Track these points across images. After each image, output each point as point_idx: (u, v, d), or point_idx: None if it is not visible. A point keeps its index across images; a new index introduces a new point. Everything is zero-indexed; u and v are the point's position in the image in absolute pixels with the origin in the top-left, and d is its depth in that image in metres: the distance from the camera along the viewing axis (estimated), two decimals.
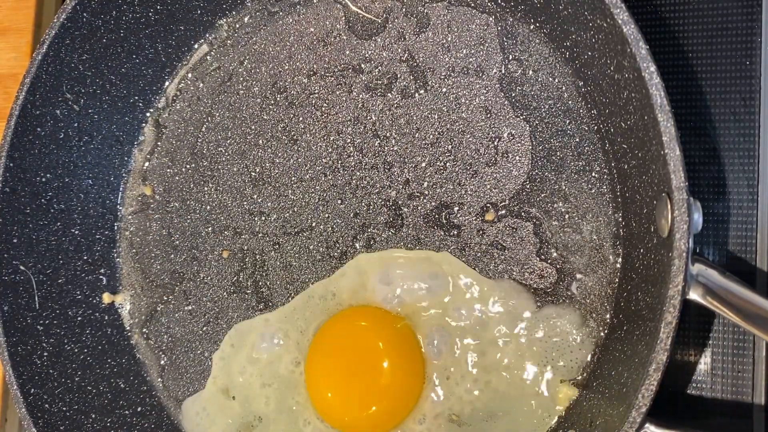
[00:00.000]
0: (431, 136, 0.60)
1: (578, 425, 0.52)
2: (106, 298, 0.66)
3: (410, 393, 0.56)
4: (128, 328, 0.67)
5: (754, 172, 0.54)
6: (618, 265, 0.54)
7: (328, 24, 0.64)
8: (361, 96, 0.62)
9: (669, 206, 0.43)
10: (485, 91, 0.59)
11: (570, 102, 0.57)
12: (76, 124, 0.64)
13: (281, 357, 0.61)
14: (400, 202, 0.60)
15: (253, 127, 0.65)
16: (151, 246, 0.67)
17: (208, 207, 0.66)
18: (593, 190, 0.55)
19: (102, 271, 0.67)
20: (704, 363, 0.54)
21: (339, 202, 0.62)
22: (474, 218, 0.58)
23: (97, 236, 0.67)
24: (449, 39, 0.60)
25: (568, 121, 0.57)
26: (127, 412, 0.63)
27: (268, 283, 0.63)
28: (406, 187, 0.60)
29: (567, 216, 0.56)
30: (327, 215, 0.62)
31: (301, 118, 0.64)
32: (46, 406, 0.59)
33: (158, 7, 0.64)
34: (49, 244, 0.63)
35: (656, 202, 0.46)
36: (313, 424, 0.59)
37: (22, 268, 0.61)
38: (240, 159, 0.65)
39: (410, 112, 0.61)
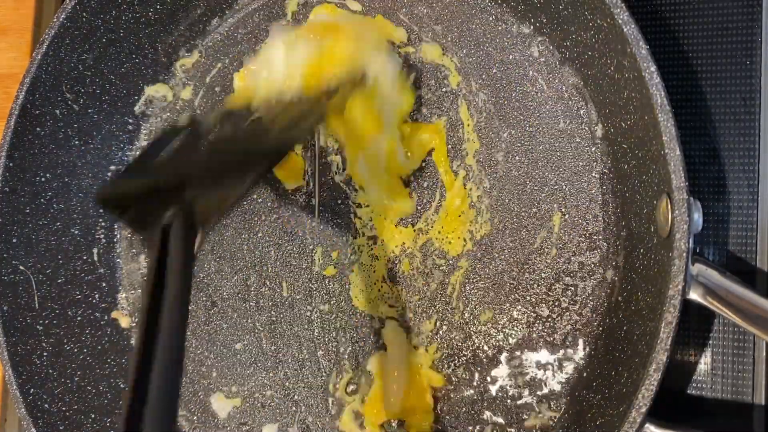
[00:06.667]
0: None
1: (578, 425, 0.52)
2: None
3: None
4: (128, 328, 0.67)
5: (754, 172, 0.54)
6: (618, 265, 0.54)
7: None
8: None
9: (669, 206, 0.43)
10: (485, 91, 0.59)
11: (570, 102, 0.57)
12: (76, 124, 0.64)
13: None
14: None
15: None
16: None
17: None
18: (593, 190, 0.55)
19: (102, 271, 0.67)
20: (704, 363, 0.54)
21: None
22: None
23: (97, 236, 0.67)
24: (449, 39, 0.60)
25: (568, 121, 0.56)
26: None
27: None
28: None
29: (567, 216, 0.56)
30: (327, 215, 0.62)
31: None
32: (46, 406, 0.59)
33: (158, 7, 0.64)
34: (48, 244, 0.63)
35: (656, 202, 0.46)
36: None
37: (21, 268, 0.61)
38: None
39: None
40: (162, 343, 0.39)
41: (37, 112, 0.61)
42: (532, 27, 0.58)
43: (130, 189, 0.50)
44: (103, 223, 0.67)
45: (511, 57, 0.58)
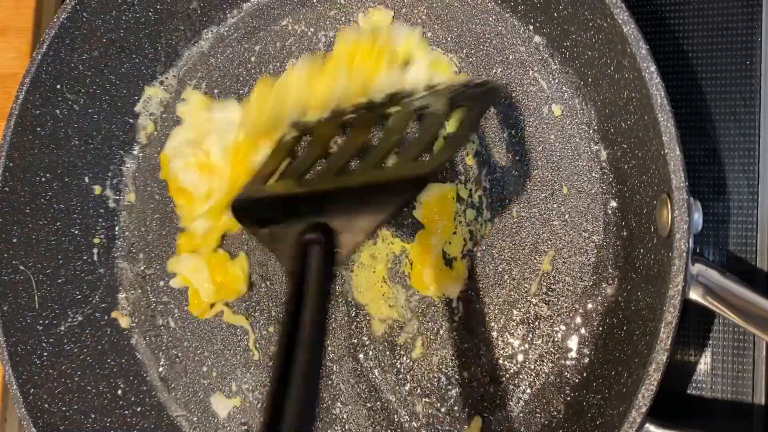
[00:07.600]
0: None
1: (578, 425, 0.52)
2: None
3: None
4: (128, 328, 0.67)
5: (754, 172, 0.54)
6: (618, 265, 0.54)
7: (327, 23, 0.64)
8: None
9: (669, 206, 0.43)
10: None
11: (570, 102, 0.57)
12: (76, 124, 0.64)
13: None
14: None
15: None
16: (150, 246, 0.67)
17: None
18: (593, 190, 0.55)
19: (102, 271, 0.67)
20: (704, 363, 0.54)
21: None
22: None
23: (97, 236, 0.67)
24: (449, 39, 0.60)
25: (568, 122, 0.56)
26: (127, 412, 0.63)
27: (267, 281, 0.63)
28: None
29: (567, 217, 0.56)
30: None
31: None
32: (46, 406, 0.59)
33: (158, 7, 0.64)
34: (48, 244, 0.63)
35: (656, 202, 0.46)
36: None
37: (21, 268, 0.61)
38: None
39: None
40: (300, 356, 0.39)
41: (37, 112, 0.61)
42: (532, 27, 0.58)
43: (267, 199, 0.48)
44: (103, 223, 0.67)
45: (511, 57, 0.58)
